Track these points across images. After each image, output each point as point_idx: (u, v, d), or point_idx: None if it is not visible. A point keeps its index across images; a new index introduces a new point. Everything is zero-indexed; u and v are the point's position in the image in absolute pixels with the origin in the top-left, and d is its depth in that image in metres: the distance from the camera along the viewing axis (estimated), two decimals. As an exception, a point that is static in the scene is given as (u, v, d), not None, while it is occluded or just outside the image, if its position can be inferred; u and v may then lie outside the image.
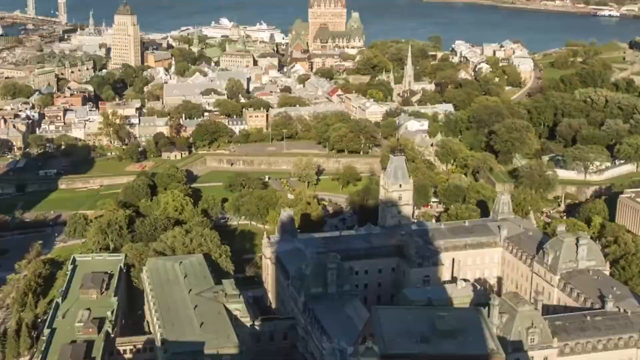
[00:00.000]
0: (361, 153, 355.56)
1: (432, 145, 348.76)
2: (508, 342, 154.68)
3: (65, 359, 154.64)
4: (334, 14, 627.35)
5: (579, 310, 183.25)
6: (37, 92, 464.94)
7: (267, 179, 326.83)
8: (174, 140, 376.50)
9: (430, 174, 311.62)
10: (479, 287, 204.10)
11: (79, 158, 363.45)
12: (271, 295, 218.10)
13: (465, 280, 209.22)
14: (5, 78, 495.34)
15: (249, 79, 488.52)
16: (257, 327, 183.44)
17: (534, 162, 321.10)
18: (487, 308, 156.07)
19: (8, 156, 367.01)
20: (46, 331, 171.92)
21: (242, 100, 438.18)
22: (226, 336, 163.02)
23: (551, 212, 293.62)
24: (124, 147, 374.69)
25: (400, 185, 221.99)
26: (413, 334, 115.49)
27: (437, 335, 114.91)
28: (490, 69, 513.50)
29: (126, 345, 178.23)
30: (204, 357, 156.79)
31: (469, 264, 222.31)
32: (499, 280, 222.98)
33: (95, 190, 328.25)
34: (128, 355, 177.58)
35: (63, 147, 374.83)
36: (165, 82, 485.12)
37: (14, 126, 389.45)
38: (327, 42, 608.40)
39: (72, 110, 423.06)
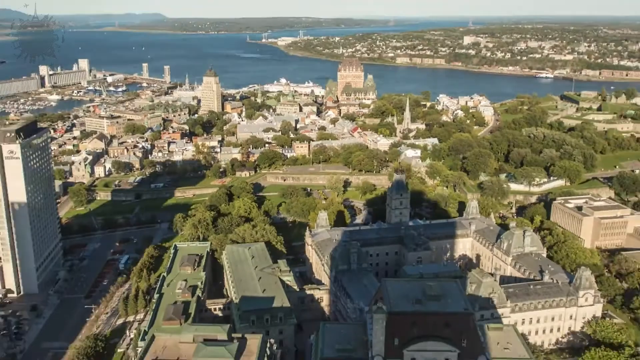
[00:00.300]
0: (374, 172, 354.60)
1: (423, 167, 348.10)
2: (476, 303, 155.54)
3: (169, 315, 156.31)
4: (355, 76, 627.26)
5: (525, 281, 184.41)
6: (149, 130, 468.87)
7: (309, 190, 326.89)
8: (245, 163, 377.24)
9: (422, 187, 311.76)
10: (456, 265, 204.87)
11: (178, 176, 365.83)
12: (313, 270, 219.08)
13: (447, 260, 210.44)
14: (128, 120, 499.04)
15: (296, 121, 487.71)
16: (304, 292, 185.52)
17: (494, 178, 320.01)
18: (461, 280, 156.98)
19: (130, 174, 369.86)
20: (156, 296, 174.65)
21: (292, 135, 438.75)
22: (281, 299, 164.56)
23: (505, 213, 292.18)
24: (209, 168, 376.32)
25: (401, 194, 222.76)
26: (410, 298, 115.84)
27: (427, 298, 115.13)
28: (464, 114, 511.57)
29: (211, 305, 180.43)
30: (265, 312, 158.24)
31: (449, 249, 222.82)
32: (470, 260, 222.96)
33: (189, 198, 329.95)
34: (214, 312, 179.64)
35: (167, 168, 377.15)
36: (238, 123, 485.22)
37: (134, 154, 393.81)
38: (350, 95, 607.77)
39: (174, 142, 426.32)
